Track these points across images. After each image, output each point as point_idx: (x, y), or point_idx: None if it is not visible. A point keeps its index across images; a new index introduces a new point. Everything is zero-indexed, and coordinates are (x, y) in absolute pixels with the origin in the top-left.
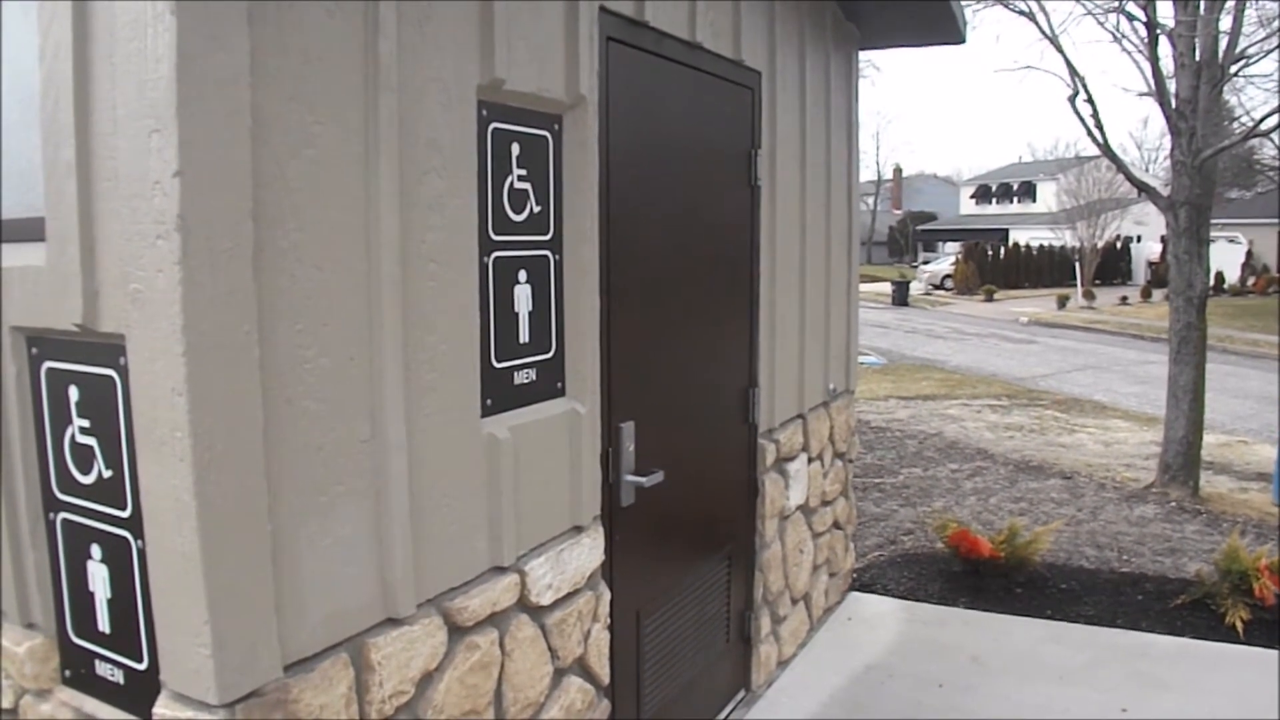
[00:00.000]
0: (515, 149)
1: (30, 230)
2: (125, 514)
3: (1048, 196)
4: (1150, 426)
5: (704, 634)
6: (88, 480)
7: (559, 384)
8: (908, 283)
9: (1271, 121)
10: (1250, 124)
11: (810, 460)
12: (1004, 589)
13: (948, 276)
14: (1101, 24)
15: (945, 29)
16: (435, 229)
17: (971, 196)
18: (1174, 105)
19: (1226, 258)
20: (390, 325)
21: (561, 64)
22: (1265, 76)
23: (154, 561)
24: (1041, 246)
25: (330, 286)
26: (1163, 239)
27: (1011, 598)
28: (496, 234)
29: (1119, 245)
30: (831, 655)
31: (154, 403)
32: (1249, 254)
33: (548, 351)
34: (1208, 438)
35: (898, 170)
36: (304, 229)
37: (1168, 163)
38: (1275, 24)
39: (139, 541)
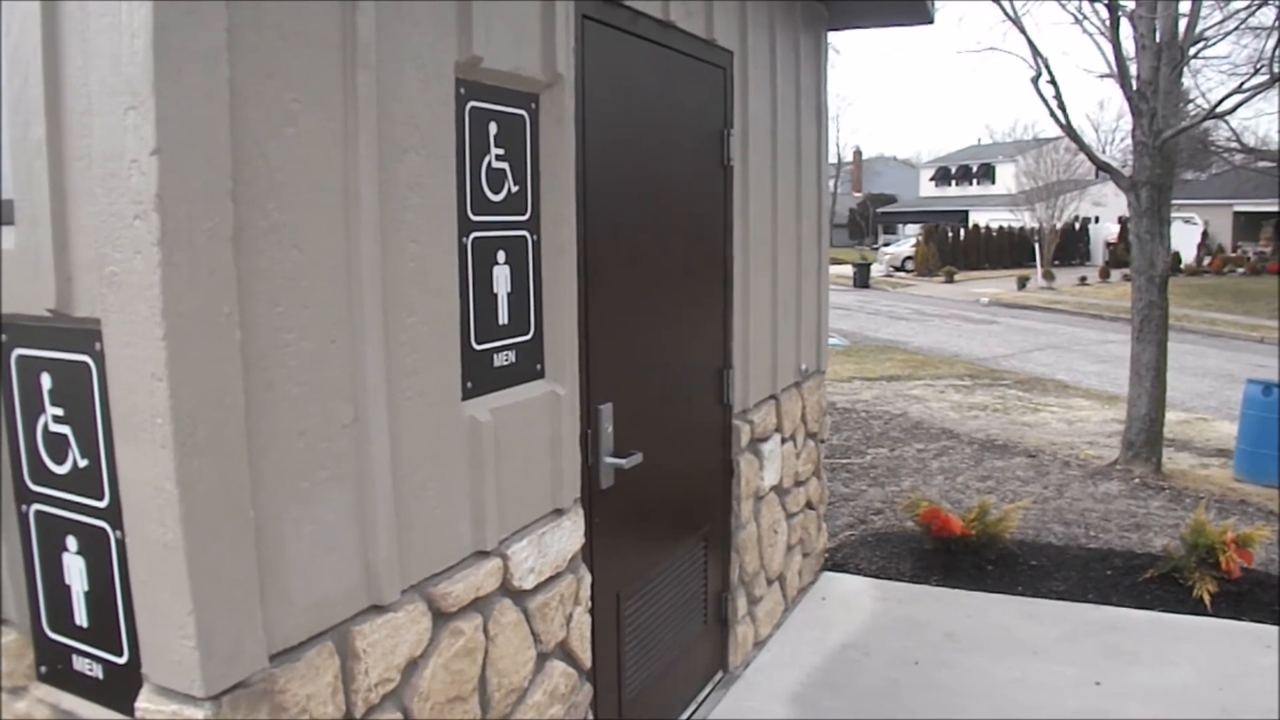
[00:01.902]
0: (493, 128)
1: None
2: (102, 504)
3: (1007, 178)
4: (1112, 405)
5: (682, 615)
6: (62, 470)
7: (538, 366)
8: (869, 265)
9: (1230, 103)
10: (1207, 106)
11: (783, 441)
12: (975, 566)
13: (908, 258)
14: (1063, 6)
15: (914, 10)
16: (414, 209)
17: (931, 179)
18: (1135, 86)
19: (1182, 238)
20: (371, 307)
21: (538, 42)
22: (1222, 59)
23: (134, 552)
24: (1001, 228)
25: (311, 267)
26: (1120, 220)
27: (983, 575)
28: (475, 214)
29: (1077, 226)
30: (807, 635)
31: (132, 389)
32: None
33: (527, 333)
34: (1168, 415)
35: (857, 153)
36: (284, 209)
37: (1125, 144)
38: (1229, 7)
39: (117, 532)
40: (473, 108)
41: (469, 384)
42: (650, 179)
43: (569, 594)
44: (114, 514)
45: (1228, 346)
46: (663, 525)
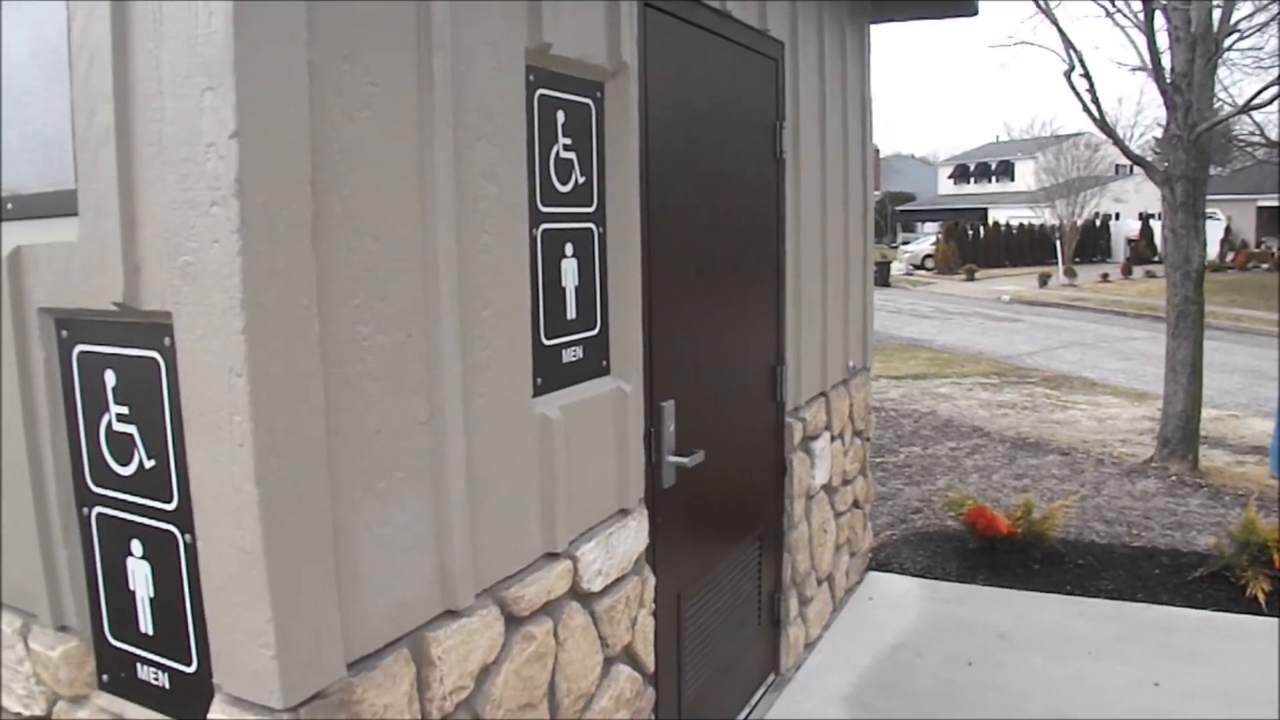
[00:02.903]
0: (560, 117)
1: (55, 205)
2: (170, 506)
3: (1026, 175)
4: (1141, 402)
5: (738, 617)
6: (127, 471)
7: (604, 362)
8: (889, 263)
9: (1267, 95)
10: (1232, 100)
11: (833, 439)
12: (1021, 565)
13: (928, 256)
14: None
15: (959, 1)
16: (488, 198)
17: (949, 176)
18: (1169, 80)
19: (1206, 234)
20: (447, 300)
21: (603, 29)
22: (1256, 50)
23: (206, 557)
24: (1021, 225)
25: (387, 258)
26: (1141, 216)
27: (1030, 574)
28: (545, 205)
29: (1098, 223)
30: (857, 635)
31: (207, 384)
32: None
33: (593, 328)
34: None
35: (875, 151)
36: (359, 196)
37: (1143, 140)
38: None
39: (187, 536)
40: (541, 96)
41: (539, 380)
42: (707, 172)
43: (634, 596)
44: (184, 517)
45: (1254, 343)
46: (720, 525)
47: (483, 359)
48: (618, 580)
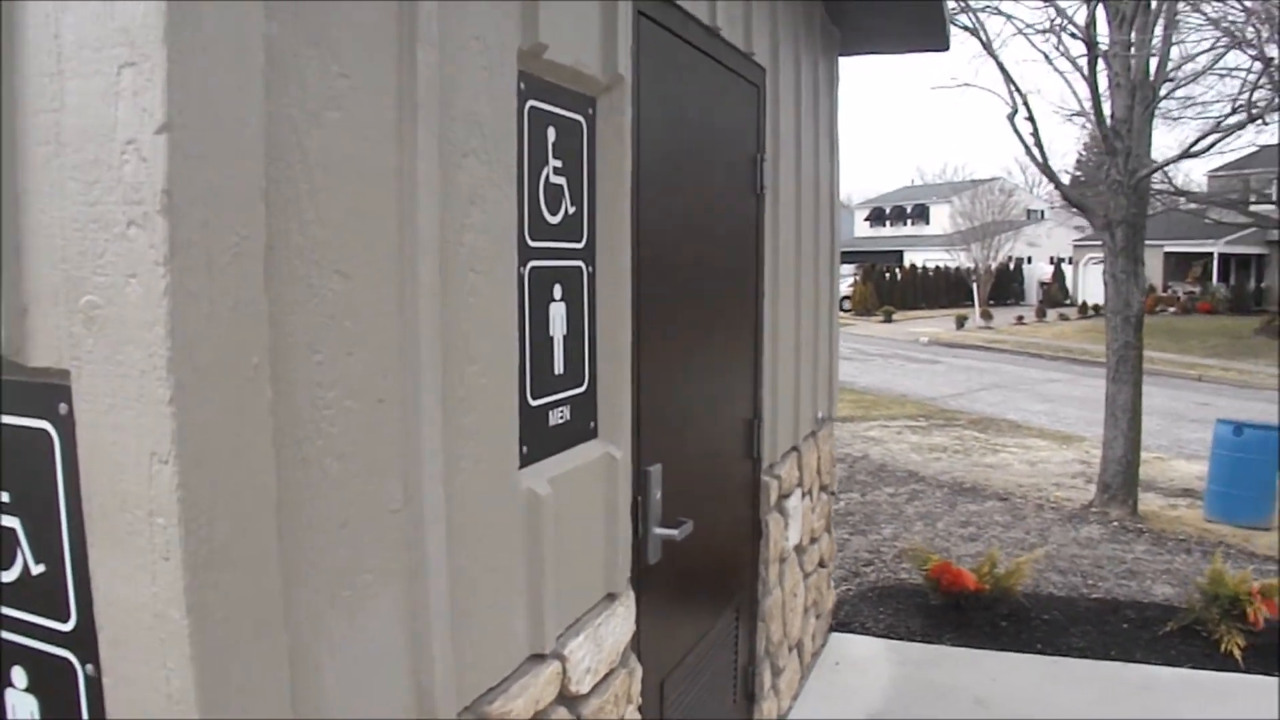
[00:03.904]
0: (551, 135)
1: None
2: (66, 627)
3: (941, 218)
4: (1069, 445)
5: (716, 697)
6: (7, 577)
7: (592, 424)
8: None
9: (1205, 142)
10: (1157, 148)
11: (803, 495)
12: (988, 623)
13: (845, 297)
14: (1034, 45)
15: (933, 34)
16: (475, 229)
17: (865, 219)
18: (1110, 125)
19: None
20: (428, 353)
21: (598, 35)
22: (1191, 101)
23: (116, 698)
24: (937, 268)
25: (357, 301)
26: (1052, 260)
27: (998, 632)
28: (533, 239)
29: (1012, 266)
30: (829, 706)
31: (118, 471)
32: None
33: (581, 385)
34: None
35: None
36: (325, 221)
37: (1052, 188)
38: (1189, 50)
39: (89, 667)
40: (532, 108)
41: (525, 448)
42: (693, 207)
43: (622, 693)
44: (84, 642)
45: (1168, 385)
46: (702, 599)
47: (467, 426)
48: (606, 676)
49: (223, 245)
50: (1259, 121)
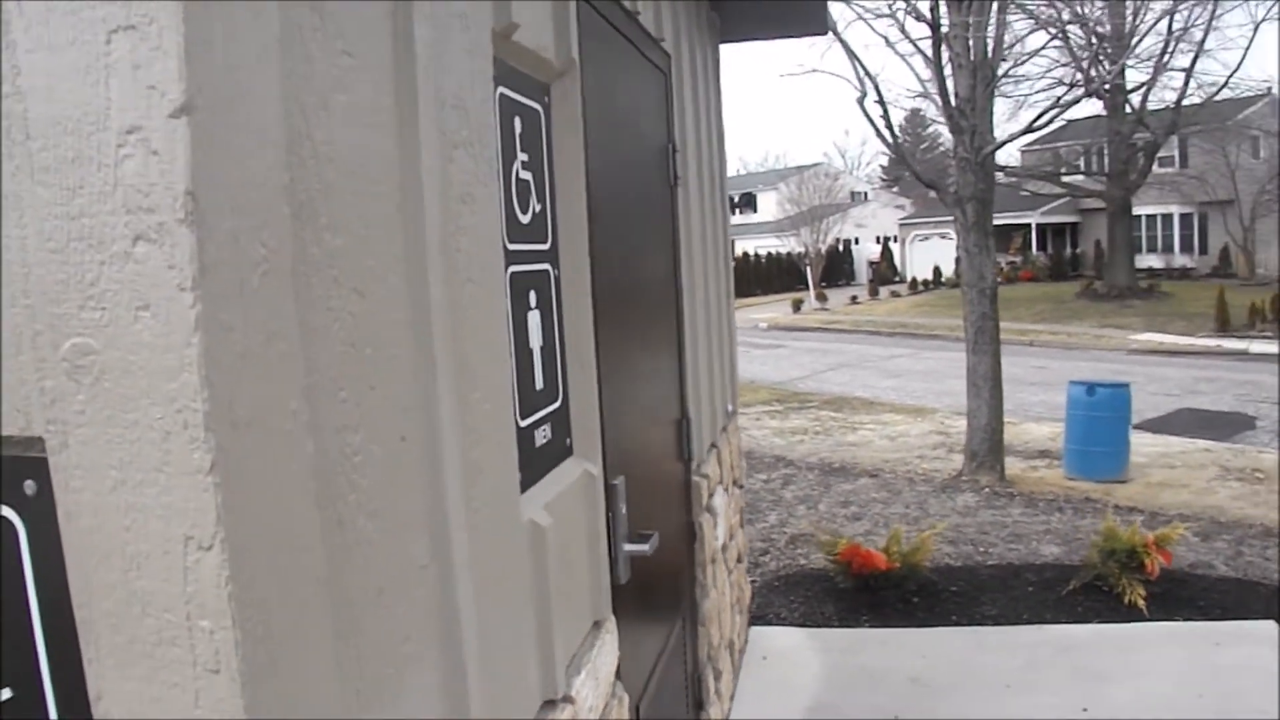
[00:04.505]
0: (518, 125)
1: None
2: None
3: (769, 206)
4: (923, 417)
5: (674, 710)
6: None
7: (568, 440)
8: None
9: (1045, 118)
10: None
11: (725, 491)
12: (900, 600)
13: None
14: (874, 29)
15: (811, 19)
16: (468, 232)
17: None
18: (954, 104)
19: (942, 254)
20: (445, 381)
21: (550, 16)
22: (1029, 79)
23: None
24: (769, 254)
25: (375, 323)
26: (879, 240)
27: (911, 609)
28: (511, 241)
29: (841, 248)
30: (768, 704)
31: (135, 565)
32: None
33: (557, 399)
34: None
35: None
36: (339, 227)
37: (872, 168)
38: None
39: None
40: (501, 96)
41: (520, 474)
42: (629, 200)
43: None
44: None
45: (1004, 352)
46: (660, 613)
47: (476, 460)
48: (603, 711)
49: (252, 262)
50: (1094, 96)
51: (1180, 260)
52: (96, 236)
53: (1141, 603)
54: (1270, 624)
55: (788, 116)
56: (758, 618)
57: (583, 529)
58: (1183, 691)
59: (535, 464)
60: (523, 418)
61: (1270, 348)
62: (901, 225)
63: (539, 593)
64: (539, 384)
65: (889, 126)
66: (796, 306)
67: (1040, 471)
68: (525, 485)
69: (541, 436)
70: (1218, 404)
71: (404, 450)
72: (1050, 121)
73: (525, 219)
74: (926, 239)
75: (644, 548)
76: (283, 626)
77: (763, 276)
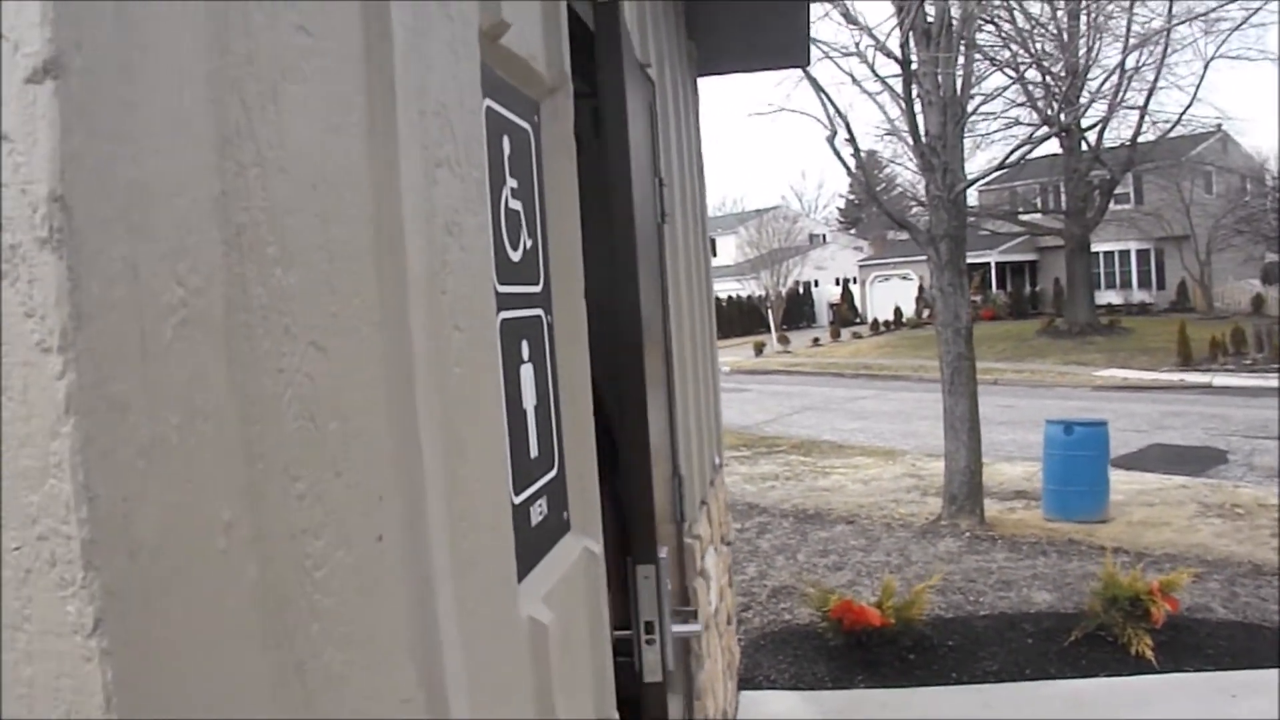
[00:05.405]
0: (506, 145)
1: None
2: None
3: (729, 249)
4: (893, 460)
5: None
6: None
7: (564, 514)
8: None
9: (1017, 155)
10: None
11: (715, 551)
12: (896, 658)
13: None
14: (840, 67)
15: (792, 52)
16: (455, 270)
17: None
18: (925, 141)
19: (903, 295)
20: (431, 456)
21: (540, 26)
22: (996, 115)
23: None
24: (730, 297)
25: (340, 387)
26: (839, 281)
27: (908, 666)
28: (501, 282)
29: (801, 290)
30: None
31: None
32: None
33: (552, 467)
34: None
35: None
36: (292, 260)
37: (829, 210)
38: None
39: None
40: (489, 110)
41: (515, 560)
42: (618, 236)
43: None
44: None
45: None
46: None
47: (466, 553)
48: None
49: (161, 307)
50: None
51: (1139, 296)
52: None
53: (1150, 653)
54: None
55: (744, 159)
56: (746, 681)
57: (583, 616)
58: None
59: (531, 546)
60: (517, 493)
61: (1233, 380)
62: (861, 267)
63: (541, 704)
64: (534, 451)
65: (860, 166)
66: (759, 350)
67: (1019, 513)
68: (522, 572)
69: (538, 513)
70: (1188, 439)
71: (381, 553)
72: (1023, 158)
73: (516, 256)
74: (887, 280)
75: (696, 627)
76: None
77: (724, 320)
